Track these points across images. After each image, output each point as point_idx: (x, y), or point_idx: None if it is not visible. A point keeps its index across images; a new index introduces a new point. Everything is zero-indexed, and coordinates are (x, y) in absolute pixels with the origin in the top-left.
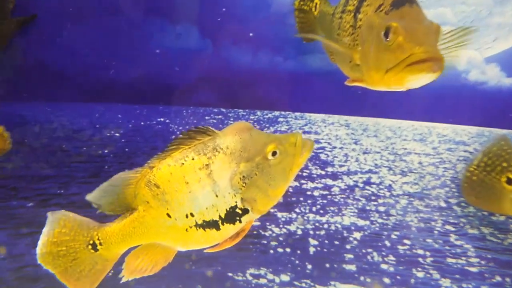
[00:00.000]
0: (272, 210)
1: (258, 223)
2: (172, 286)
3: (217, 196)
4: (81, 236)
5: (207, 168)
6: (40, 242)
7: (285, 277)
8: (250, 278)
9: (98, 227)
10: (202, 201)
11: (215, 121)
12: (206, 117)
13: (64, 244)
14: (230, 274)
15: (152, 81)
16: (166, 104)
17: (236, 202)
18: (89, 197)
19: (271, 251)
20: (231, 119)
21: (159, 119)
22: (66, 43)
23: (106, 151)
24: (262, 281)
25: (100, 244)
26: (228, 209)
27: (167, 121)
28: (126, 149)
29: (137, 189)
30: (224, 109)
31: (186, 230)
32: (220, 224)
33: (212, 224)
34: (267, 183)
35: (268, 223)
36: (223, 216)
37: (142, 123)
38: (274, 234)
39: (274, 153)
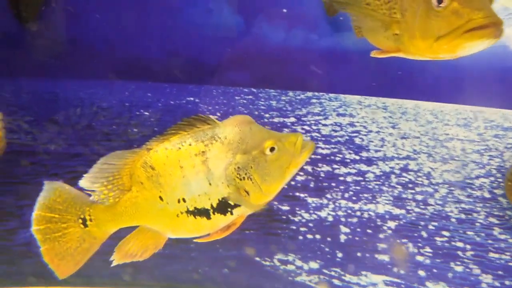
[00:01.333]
0: (302, 195)
1: (287, 207)
2: (199, 268)
3: (210, 184)
4: (74, 209)
5: (203, 155)
6: (35, 206)
7: (314, 265)
8: (277, 263)
9: (91, 203)
10: (195, 188)
11: (245, 101)
12: (236, 97)
13: (57, 212)
14: (257, 259)
15: (182, 59)
16: (196, 83)
17: (228, 193)
18: (84, 178)
19: (300, 237)
20: (262, 99)
21: (188, 98)
22: (97, 19)
23: (135, 129)
24: (290, 267)
25: (91, 220)
26: (220, 199)
27: (197, 100)
28: (155, 128)
29: (132, 169)
30: (254, 89)
31: (177, 215)
32: (211, 213)
33: (203, 212)
34: (262, 178)
35: (297, 208)
36: (214, 205)
37: (172, 102)
38: (303, 220)
39: (272, 149)
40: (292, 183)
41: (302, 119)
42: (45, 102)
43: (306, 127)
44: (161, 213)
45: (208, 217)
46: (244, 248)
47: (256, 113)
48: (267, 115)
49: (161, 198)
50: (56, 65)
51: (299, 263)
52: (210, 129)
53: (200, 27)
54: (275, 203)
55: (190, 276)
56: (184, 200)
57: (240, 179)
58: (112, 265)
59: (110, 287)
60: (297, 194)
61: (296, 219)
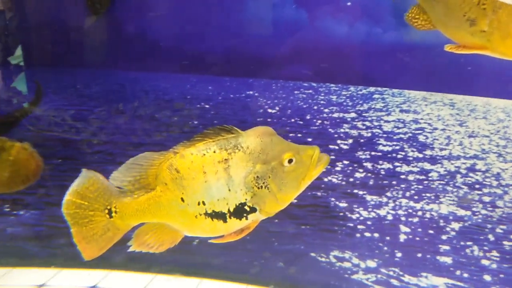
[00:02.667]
0: (360, 193)
1: (345, 204)
2: (255, 261)
3: (229, 190)
4: (102, 199)
5: (226, 162)
6: (68, 191)
7: (371, 263)
8: (333, 260)
9: (117, 196)
10: (215, 192)
11: (304, 95)
12: (296, 92)
13: (86, 199)
14: (312, 254)
15: (243, 53)
16: (256, 77)
17: (246, 199)
18: (113, 175)
19: (358, 235)
20: (322, 94)
21: (248, 92)
22: (163, 13)
23: (195, 122)
24: (346, 264)
25: (116, 212)
26: (237, 205)
27: (256, 94)
28: (215, 121)
29: (158, 170)
30: (315, 83)
31: (196, 216)
32: (228, 217)
33: (220, 216)
34: (278, 187)
35: (355, 206)
36: (231, 210)
37: (232, 95)
38: (361, 218)
39: (290, 161)
40: (351, 179)
41: (363, 114)
42: (113, 94)
43: (367, 123)
44: (181, 213)
45: (225, 221)
46: (300, 243)
47: (315, 107)
48: (326, 110)
49: (182, 199)
50: (123, 58)
51: (355, 260)
52: (234, 139)
53: (262, 21)
54: (332, 199)
55: (245, 268)
56: (203, 203)
57: (258, 188)
58: (128, 250)
59: (168, 274)
60: (356, 191)
61: (353, 216)
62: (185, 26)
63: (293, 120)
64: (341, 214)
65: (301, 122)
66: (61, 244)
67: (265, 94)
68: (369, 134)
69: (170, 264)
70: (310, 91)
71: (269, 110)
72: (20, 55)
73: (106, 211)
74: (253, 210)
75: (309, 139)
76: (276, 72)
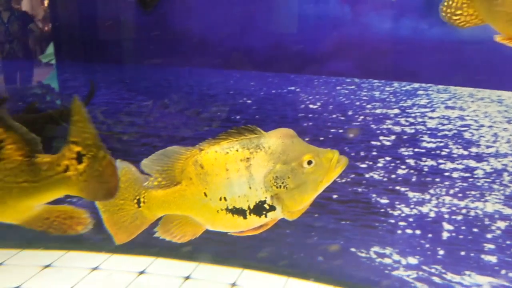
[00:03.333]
0: (403, 189)
1: (386, 201)
2: (294, 255)
3: (250, 188)
4: (132, 190)
5: (247, 161)
6: None
7: (412, 260)
8: (374, 256)
9: (147, 187)
10: (236, 189)
11: (346, 91)
12: (338, 87)
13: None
14: (352, 250)
15: (285, 49)
16: (298, 73)
17: (265, 197)
18: (144, 162)
19: (399, 232)
20: (364, 90)
21: (289, 88)
22: (207, 10)
23: (238, 117)
24: (387, 260)
25: (144, 202)
26: (257, 202)
27: (298, 90)
28: (257, 116)
29: (185, 165)
30: (357, 79)
31: (217, 211)
32: (248, 214)
33: (240, 212)
34: (297, 187)
35: (397, 202)
36: (251, 207)
37: (273, 91)
38: (403, 214)
39: (309, 162)
40: (393, 176)
41: (407, 111)
42: (160, 88)
43: (411, 119)
44: (204, 207)
45: (244, 217)
46: (340, 238)
47: (358, 103)
48: (368, 106)
49: (205, 194)
50: (170, 53)
51: (396, 257)
52: (256, 139)
53: (305, 17)
54: (374, 195)
55: (285, 260)
56: (225, 199)
57: (277, 187)
58: (154, 235)
59: (209, 263)
60: (398, 187)
61: (395, 212)
62: (229, 22)
63: (334, 115)
64: (382, 210)
65: (343, 118)
66: None
67: (306, 89)
68: (413, 131)
69: (212, 254)
70: (353, 86)
71: (311, 106)
72: (52, 53)
73: (135, 200)
74: (272, 208)
75: (351, 135)
76: (318, 68)
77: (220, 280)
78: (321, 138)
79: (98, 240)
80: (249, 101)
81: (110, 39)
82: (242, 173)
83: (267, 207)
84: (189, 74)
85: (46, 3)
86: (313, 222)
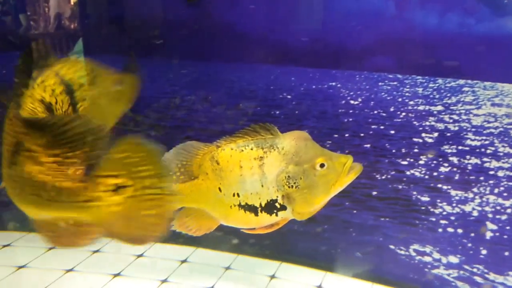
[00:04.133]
0: (445, 187)
1: (427, 198)
2: (332, 250)
3: (262, 186)
4: None
5: (261, 160)
6: None
7: (453, 259)
8: (413, 254)
9: None
10: (249, 186)
11: (389, 87)
12: (380, 83)
13: None
14: (391, 247)
15: (327, 44)
16: (339, 68)
17: (277, 196)
18: (165, 155)
19: (440, 230)
20: (407, 86)
21: (330, 83)
22: (250, 4)
23: (277, 112)
24: (427, 259)
25: None
26: (268, 200)
27: (339, 85)
28: (296, 112)
29: (202, 160)
30: (400, 75)
31: (231, 207)
32: (259, 211)
33: (252, 209)
34: (308, 189)
35: (439, 200)
36: (263, 205)
37: (314, 86)
38: (445, 213)
39: (322, 165)
40: (435, 174)
41: (451, 107)
42: (202, 83)
43: (455, 117)
44: (218, 202)
45: (256, 214)
46: (379, 235)
47: (400, 100)
48: (411, 102)
49: (220, 189)
50: (212, 48)
51: (436, 255)
52: (271, 139)
53: (348, 11)
54: (414, 193)
55: (322, 255)
56: (238, 195)
57: (289, 187)
58: (171, 228)
59: (248, 255)
60: (439, 185)
61: (436, 211)
62: (271, 17)
63: (375, 112)
64: (423, 208)
65: (384, 114)
66: None
67: (347, 85)
68: (457, 128)
69: (250, 246)
70: (395, 83)
71: (351, 102)
72: (80, 50)
73: None
74: (283, 208)
75: (392, 132)
76: (360, 63)
77: (260, 272)
78: (361, 134)
79: None
80: (289, 96)
81: (152, 33)
82: (255, 171)
83: (278, 206)
84: (231, 69)
85: (73, 1)
86: (351, 218)
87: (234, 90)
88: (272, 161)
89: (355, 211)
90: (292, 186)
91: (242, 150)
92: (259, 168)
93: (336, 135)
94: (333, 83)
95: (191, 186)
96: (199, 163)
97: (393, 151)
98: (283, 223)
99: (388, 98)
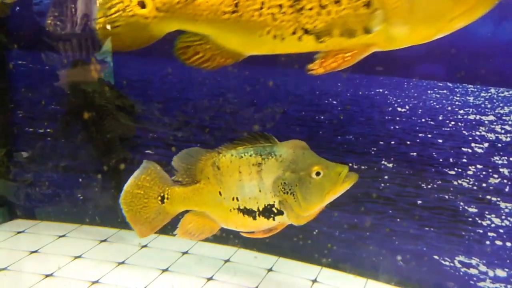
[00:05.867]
0: (494, 199)
1: (474, 210)
2: (373, 257)
3: (260, 191)
4: (157, 187)
5: (259, 166)
6: (127, 183)
7: (501, 272)
8: (458, 265)
9: (170, 185)
10: (247, 191)
11: (438, 95)
12: (429, 91)
13: (143, 189)
14: (435, 257)
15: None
16: (387, 75)
17: (274, 202)
18: (174, 158)
19: (487, 242)
20: (458, 95)
21: (377, 90)
22: None
23: (322, 117)
24: (473, 271)
25: (167, 198)
26: (266, 205)
27: (386, 92)
28: (341, 117)
29: (204, 165)
30: (450, 83)
31: (230, 210)
32: (257, 215)
33: (250, 212)
34: (303, 196)
35: (487, 212)
36: (260, 209)
37: (360, 92)
38: (493, 225)
39: (318, 173)
40: (484, 185)
41: (503, 118)
42: (248, 87)
43: (507, 127)
44: (218, 205)
45: (254, 218)
46: (423, 244)
47: (449, 108)
48: (461, 111)
49: (220, 193)
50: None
51: (483, 268)
52: (270, 147)
53: None
54: (461, 204)
55: (363, 262)
56: (237, 199)
57: (284, 193)
58: (175, 236)
59: (288, 258)
60: (488, 197)
61: (484, 223)
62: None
63: (423, 120)
64: (470, 219)
65: (432, 123)
66: None
67: (395, 92)
68: (508, 139)
69: (290, 250)
70: (445, 91)
71: (398, 109)
72: (107, 51)
73: (159, 197)
74: (280, 212)
75: (440, 140)
76: (409, 71)
77: (301, 276)
78: (408, 142)
79: None
80: (334, 102)
81: None
82: (253, 177)
83: (275, 210)
84: (277, 73)
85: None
86: (395, 226)
87: (280, 95)
88: (269, 167)
89: (398, 220)
90: (288, 192)
91: (242, 157)
92: (257, 174)
93: (381, 142)
94: (380, 90)
95: (194, 190)
96: (202, 168)
97: (441, 160)
98: (280, 228)
99: (437, 106)
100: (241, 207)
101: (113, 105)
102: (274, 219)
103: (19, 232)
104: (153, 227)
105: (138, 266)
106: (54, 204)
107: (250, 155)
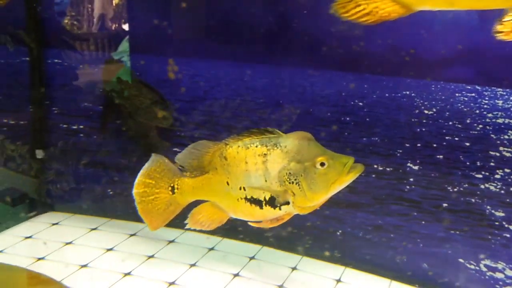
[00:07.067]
0: None
1: (502, 214)
2: (397, 258)
3: (266, 181)
4: (167, 179)
5: (265, 156)
6: (138, 174)
7: None
8: (484, 269)
9: (179, 176)
10: (254, 181)
11: (466, 98)
12: (457, 94)
13: (154, 179)
14: (461, 260)
15: (403, 52)
16: (414, 78)
17: (278, 191)
18: (178, 156)
19: None
20: (486, 98)
21: (404, 92)
22: (326, 10)
23: (347, 118)
24: (499, 275)
25: (177, 189)
26: (272, 195)
27: (413, 94)
28: (367, 119)
29: (212, 157)
30: (479, 86)
31: (238, 200)
32: (263, 205)
33: (257, 202)
34: (308, 186)
35: None
36: (267, 198)
37: (387, 94)
38: None
39: (322, 164)
40: (511, 189)
41: None
42: (275, 87)
43: None
44: (226, 195)
45: (261, 207)
46: (448, 247)
47: (477, 111)
48: (490, 115)
49: (227, 183)
50: (287, 53)
51: (509, 272)
52: (275, 138)
53: (426, 20)
54: (488, 207)
55: (388, 264)
56: (244, 188)
57: (289, 183)
58: (185, 228)
59: (312, 257)
60: None
61: (511, 227)
62: (347, 24)
63: (450, 123)
64: (497, 223)
65: (460, 126)
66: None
67: (422, 95)
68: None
69: (315, 248)
70: (473, 94)
71: (425, 111)
72: (123, 51)
73: (170, 188)
74: (286, 202)
75: (467, 144)
76: (436, 73)
77: (325, 275)
78: (434, 145)
79: None
80: (360, 103)
81: (227, 37)
82: (259, 167)
83: (281, 200)
84: (304, 74)
85: (115, 2)
86: (420, 228)
87: (306, 95)
88: (274, 158)
89: (423, 222)
90: (293, 182)
91: (248, 147)
92: (263, 164)
93: (407, 144)
94: (407, 92)
95: (203, 180)
96: (210, 159)
97: (468, 163)
98: (287, 218)
99: (465, 109)
100: (248, 197)
101: (148, 100)
102: (280, 209)
103: (53, 224)
104: (164, 218)
105: (167, 260)
106: (86, 199)
107: (256, 146)
